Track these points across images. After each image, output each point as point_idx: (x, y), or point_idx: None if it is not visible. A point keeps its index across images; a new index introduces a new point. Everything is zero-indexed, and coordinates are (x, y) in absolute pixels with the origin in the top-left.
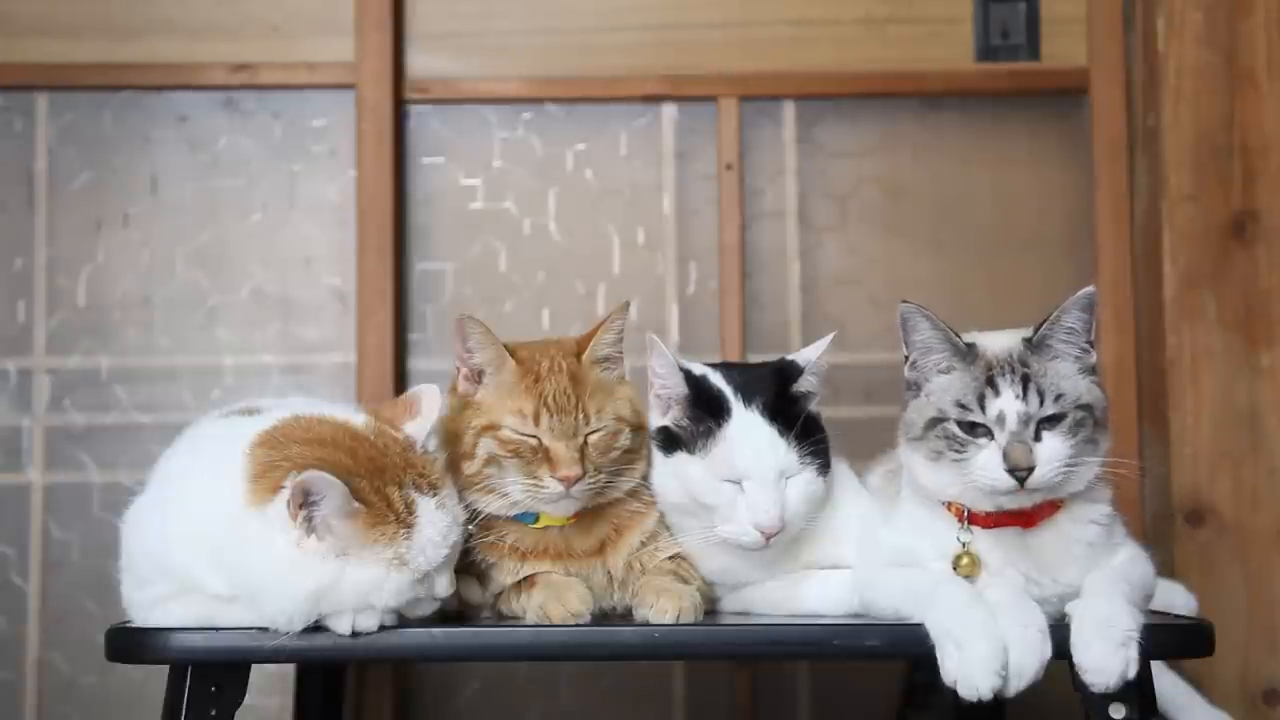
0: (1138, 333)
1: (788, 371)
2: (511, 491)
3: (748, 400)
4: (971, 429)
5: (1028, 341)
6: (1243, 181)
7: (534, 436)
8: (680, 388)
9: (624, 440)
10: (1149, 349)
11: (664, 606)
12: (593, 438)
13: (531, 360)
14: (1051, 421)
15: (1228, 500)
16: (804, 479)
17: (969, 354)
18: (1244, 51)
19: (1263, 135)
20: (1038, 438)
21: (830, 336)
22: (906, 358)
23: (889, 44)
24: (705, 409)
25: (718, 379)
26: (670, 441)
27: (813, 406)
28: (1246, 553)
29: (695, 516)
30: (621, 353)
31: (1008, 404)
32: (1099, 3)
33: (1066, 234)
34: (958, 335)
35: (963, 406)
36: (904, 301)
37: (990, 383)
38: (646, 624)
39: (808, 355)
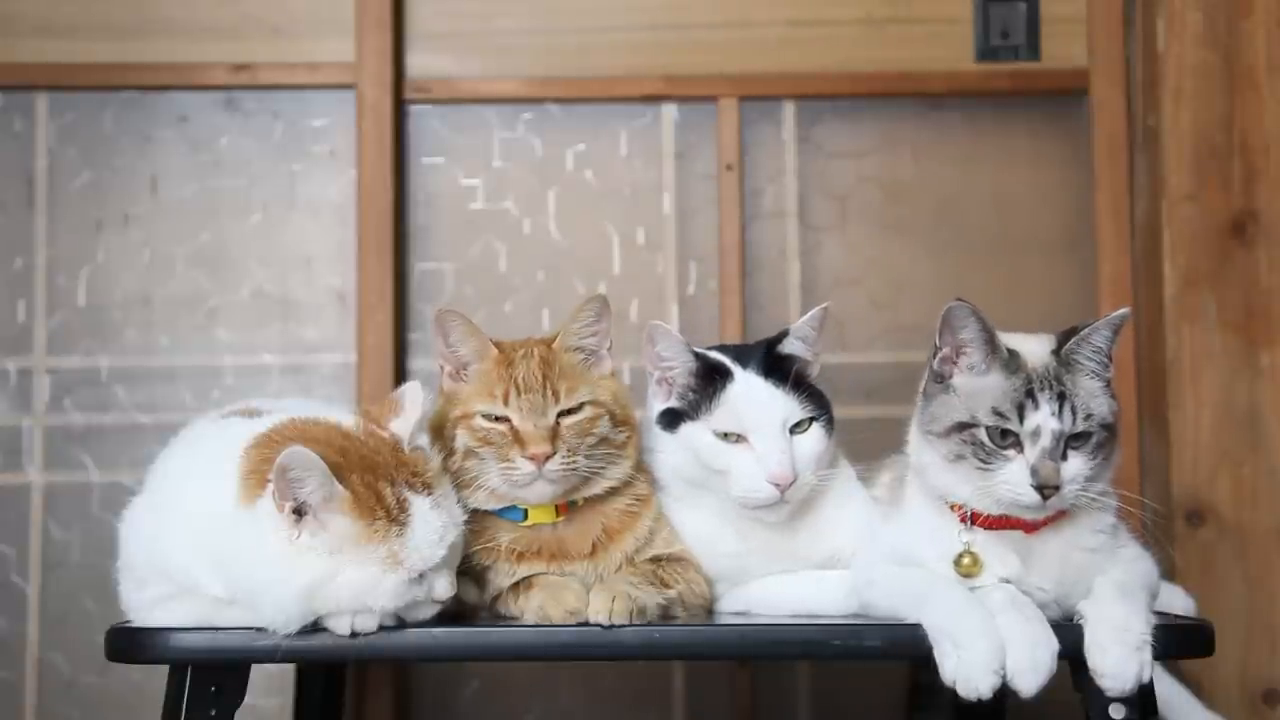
0: (1138, 333)
1: (775, 337)
2: (491, 479)
3: (744, 364)
4: (1002, 437)
5: (1056, 355)
6: (1243, 181)
7: (504, 418)
8: (689, 362)
9: (603, 427)
10: (1149, 349)
11: (597, 606)
12: (566, 420)
13: (510, 350)
14: (1078, 440)
15: (1228, 500)
16: (811, 435)
17: (1011, 362)
18: (1244, 51)
19: (1263, 135)
20: (1064, 455)
21: (821, 307)
22: (937, 350)
23: (889, 44)
24: (708, 377)
25: (716, 354)
26: (676, 418)
27: (811, 377)
28: (1246, 553)
29: (708, 488)
30: (601, 347)
31: (1044, 420)
32: (1099, 3)
33: (1066, 234)
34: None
35: (1000, 415)
36: (958, 300)
37: (1030, 395)
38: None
39: (795, 323)
